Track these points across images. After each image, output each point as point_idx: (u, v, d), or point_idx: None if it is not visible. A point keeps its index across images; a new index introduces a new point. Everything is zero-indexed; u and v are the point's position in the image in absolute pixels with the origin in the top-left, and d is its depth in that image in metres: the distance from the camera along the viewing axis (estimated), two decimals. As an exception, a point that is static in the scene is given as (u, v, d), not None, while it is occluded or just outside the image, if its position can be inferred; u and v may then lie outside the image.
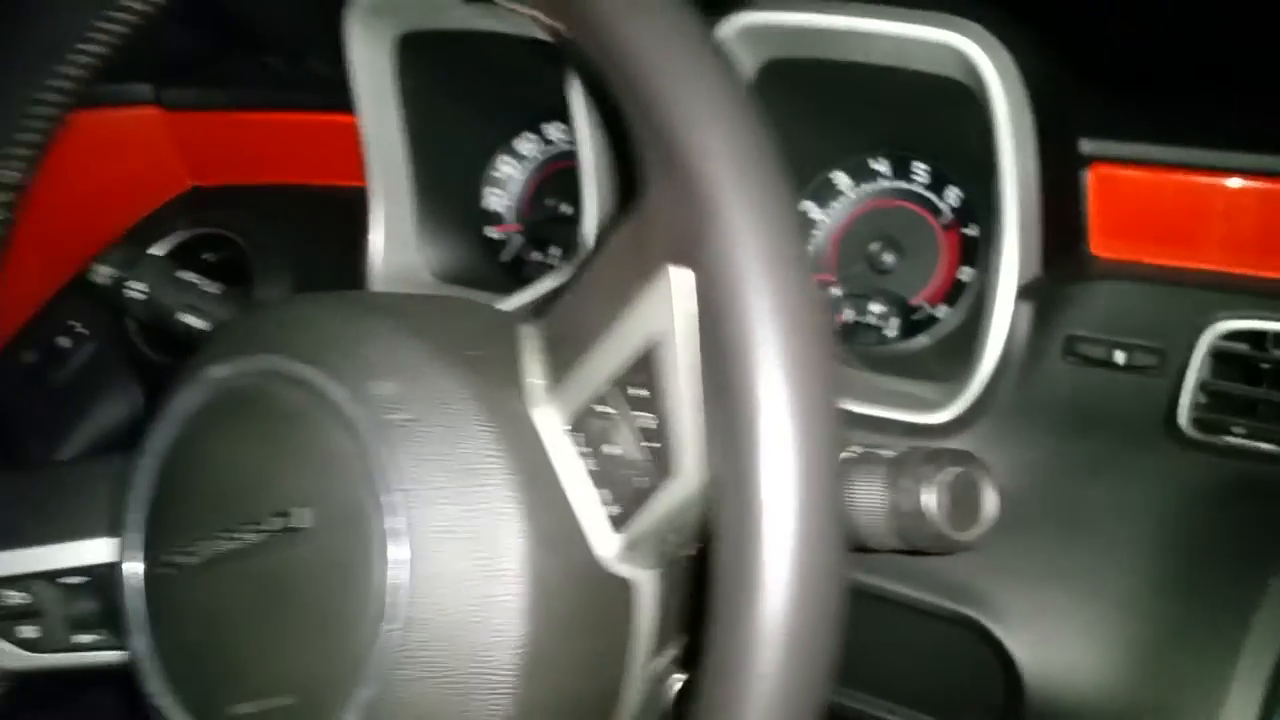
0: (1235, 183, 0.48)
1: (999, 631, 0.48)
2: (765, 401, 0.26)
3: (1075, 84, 0.50)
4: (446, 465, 0.35)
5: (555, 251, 0.72)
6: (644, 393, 0.32)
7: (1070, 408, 0.50)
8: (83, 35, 0.44)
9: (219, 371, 0.40)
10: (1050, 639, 0.47)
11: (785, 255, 0.27)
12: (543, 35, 0.58)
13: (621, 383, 0.33)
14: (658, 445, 0.32)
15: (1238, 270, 0.49)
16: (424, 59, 0.65)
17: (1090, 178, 0.51)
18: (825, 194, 0.61)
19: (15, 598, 0.47)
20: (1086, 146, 0.50)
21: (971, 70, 0.47)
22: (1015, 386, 0.50)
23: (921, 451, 0.38)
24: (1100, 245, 0.52)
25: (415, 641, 0.34)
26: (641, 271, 0.30)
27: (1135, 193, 0.50)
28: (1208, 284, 0.49)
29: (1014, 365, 0.50)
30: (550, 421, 0.37)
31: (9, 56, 0.45)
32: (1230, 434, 0.48)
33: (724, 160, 0.27)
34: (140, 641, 0.41)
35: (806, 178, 0.60)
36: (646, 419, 0.32)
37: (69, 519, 0.47)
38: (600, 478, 0.36)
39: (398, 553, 0.35)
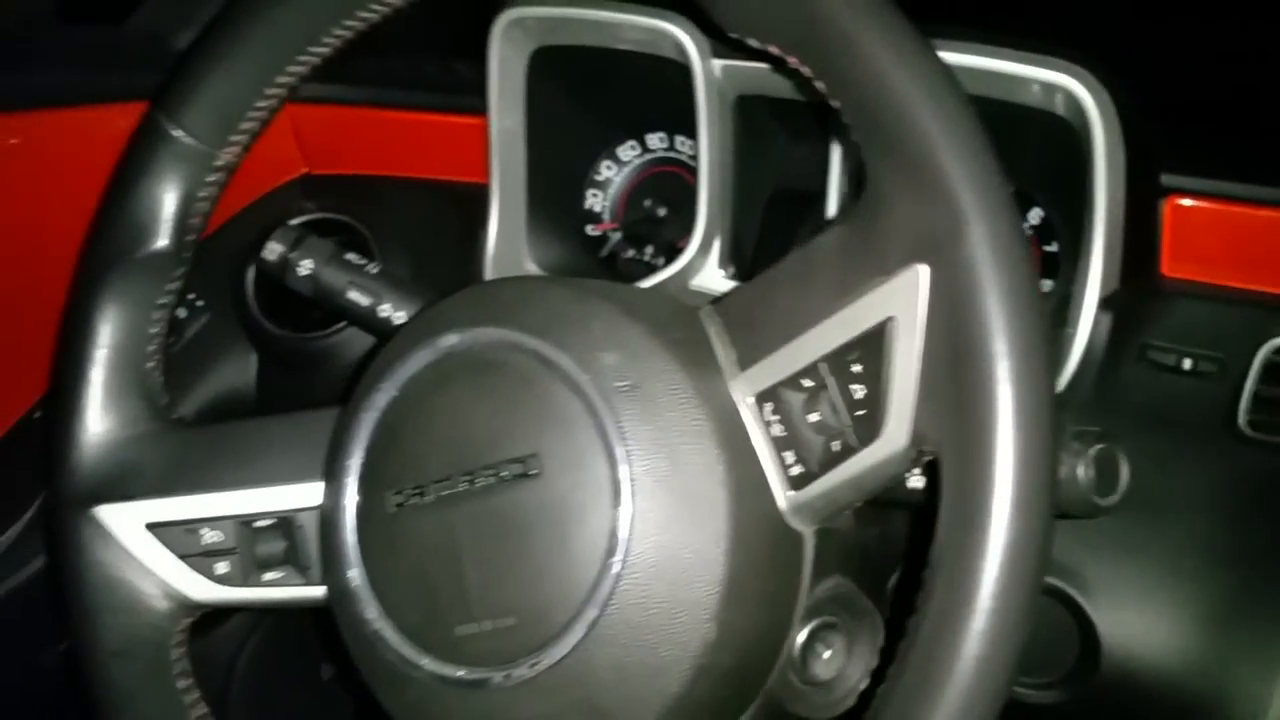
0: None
1: (1083, 600, 0.55)
2: (1005, 378, 0.33)
3: (1158, 124, 0.57)
4: (661, 425, 0.41)
5: (649, 249, 0.78)
6: (859, 368, 0.38)
7: (1143, 406, 0.57)
8: (319, 33, 0.50)
9: (448, 340, 0.45)
10: (1128, 608, 0.54)
11: (1019, 259, 0.34)
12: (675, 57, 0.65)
13: (838, 358, 0.39)
14: (864, 412, 0.39)
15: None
16: (551, 70, 0.71)
17: (1166, 207, 0.58)
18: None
19: (212, 536, 0.52)
20: (1166, 180, 0.58)
21: (1077, 108, 0.54)
22: (1094, 384, 0.57)
23: (1070, 429, 0.45)
24: (1170, 266, 0.59)
25: (634, 573, 0.41)
26: (878, 267, 0.37)
27: (1204, 222, 0.58)
28: (1265, 304, 0.57)
29: (1093, 366, 0.57)
30: (740, 393, 0.43)
31: (248, 48, 0.51)
32: (1282, 436, 0.56)
33: (973, 184, 0.34)
34: (355, 574, 0.46)
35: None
36: (858, 390, 0.39)
37: (261, 468, 0.53)
38: (784, 442, 0.42)
39: (622, 498, 0.41)
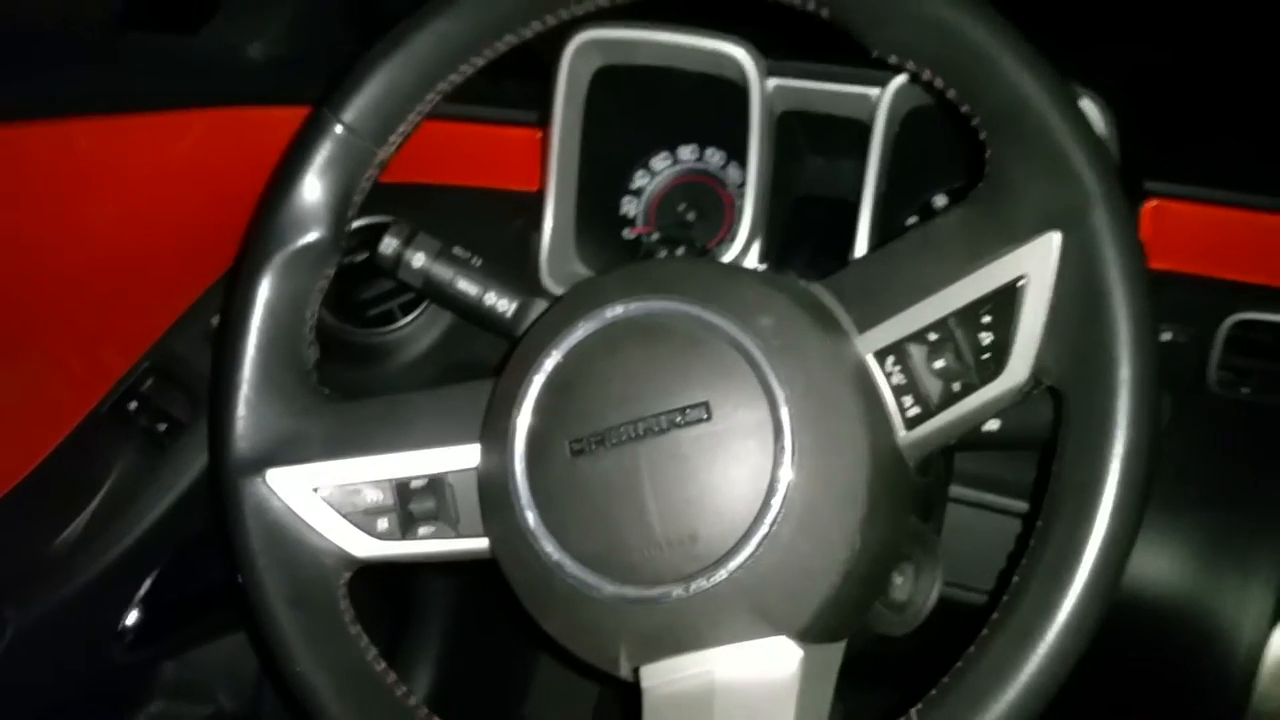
0: (1256, 216, 0.68)
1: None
2: (1130, 324, 0.44)
3: (1143, 136, 0.70)
4: (810, 375, 0.50)
5: (680, 250, 0.87)
6: (989, 319, 0.48)
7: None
8: (480, 46, 0.57)
9: (614, 310, 0.53)
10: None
11: (1134, 230, 0.45)
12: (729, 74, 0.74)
13: (968, 312, 0.49)
14: (989, 356, 0.49)
15: (1251, 279, 0.70)
16: (607, 88, 0.79)
17: (1147, 207, 0.70)
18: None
19: (373, 496, 0.58)
20: (1148, 185, 0.70)
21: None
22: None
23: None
24: (1152, 257, 0.72)
25: (795, 494, 0.49)
26: (1009, 236, 0.47)
27: (1181, 220, 0.70)
28: (1226, 288, 0.70)
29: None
30: (863, 349, 0.52)
31: (415, 57, 0.58)
32: (1242, 391, 0.69)
33: (1099, 169, 0.45)
34: (531, 515, 0.53)
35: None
36: (985, 337, 0.49)
37: (413, 435, 0.59)
38: (903, 389, 0.52)
39: (784, 434, 0.50)
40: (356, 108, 0.58)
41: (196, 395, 0.82)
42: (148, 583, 0.83)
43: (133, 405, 0.80)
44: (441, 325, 0.87)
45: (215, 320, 0.83)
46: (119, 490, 0.80)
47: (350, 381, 0.86)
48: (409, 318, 0.87)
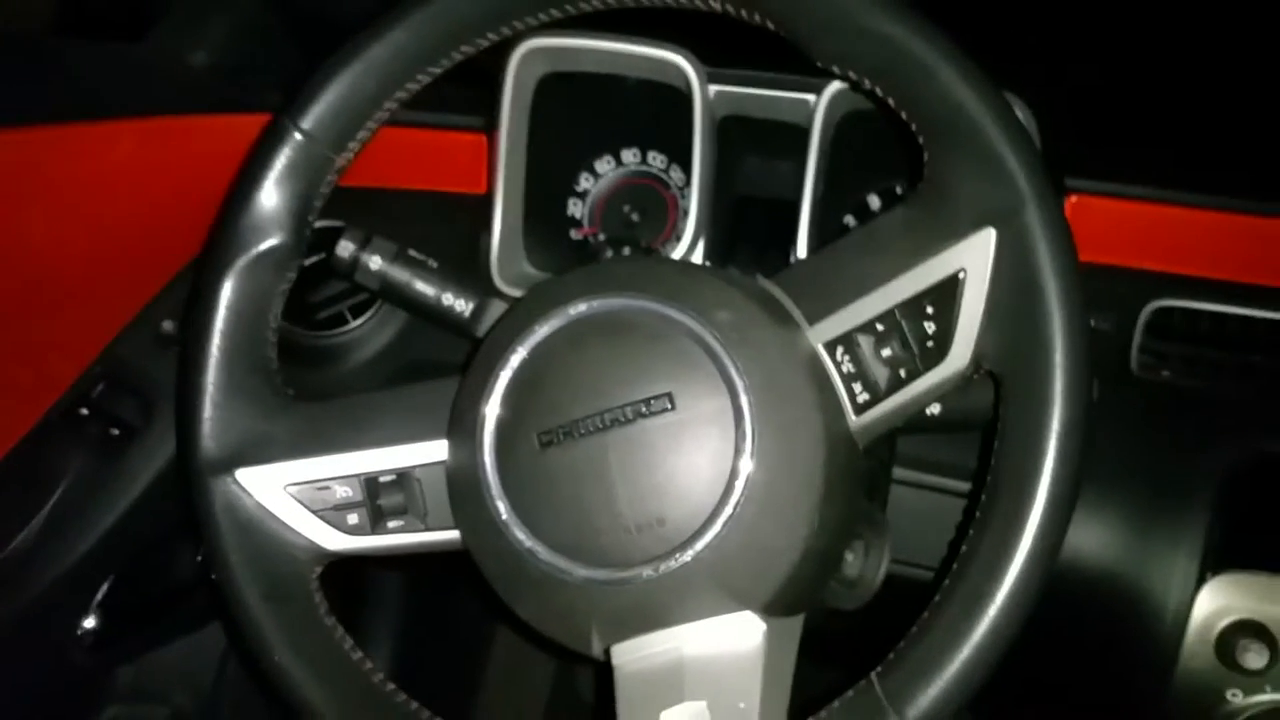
0: (1171, 210, 0.73)
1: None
2: (1061, 310, 0.47)
3: (1064, 138, 0.74)
4: (767, 365, 0.53)
5: (625, 250, 0.89)
6: (931, 309, 0.52)
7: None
8: (436, 56, 0.59)
9: (577, 308, 0.56)
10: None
11: (1065, 225, 0.48)
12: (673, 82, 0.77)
13: (913, 304, 0.52)
14: (932, 344, 0.52)
15: (1167, 269, 0.74)
16: (552, 93, 0.81)
17: (1069, 203, 0.75)
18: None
19: (343, 492, 0.60)
20: (1070, 182, 0.74)
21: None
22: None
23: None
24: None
25: (757, 476, 0.52)
26: (949, 232, 0.51)
27: (1102, 215, 0.75)
28: (1144, 278, 0.75)
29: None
30: (814, 340, 0.55)
31: (373, 65, 0.59)
32: (1163, 374, 0.74)
33: (1031, 171, 0.49)
34: (502, 505, 0.55)
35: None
36: (929, 326, 0.52)
37: (380, 432, 0.60)
38: (852, 377, 0.55)
39: (745, 420, 0.52)
40: (315, 116, 0.60)
41: (148, 399, 0.82)
42: (105, 587, 0.83)
43: (84, 411, 0.80)
44: (393, 327, 0.88)
45: (167, 325, 0.83)
46: (73, 495, 0.79)
47: (303, 383, 0.87)
48: (360, 320, 0.88)
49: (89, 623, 0.82)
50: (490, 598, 0.58)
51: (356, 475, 0.60)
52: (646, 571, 0.53)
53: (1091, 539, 0.72)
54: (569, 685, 1.21)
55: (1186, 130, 0.79)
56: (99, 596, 0.82)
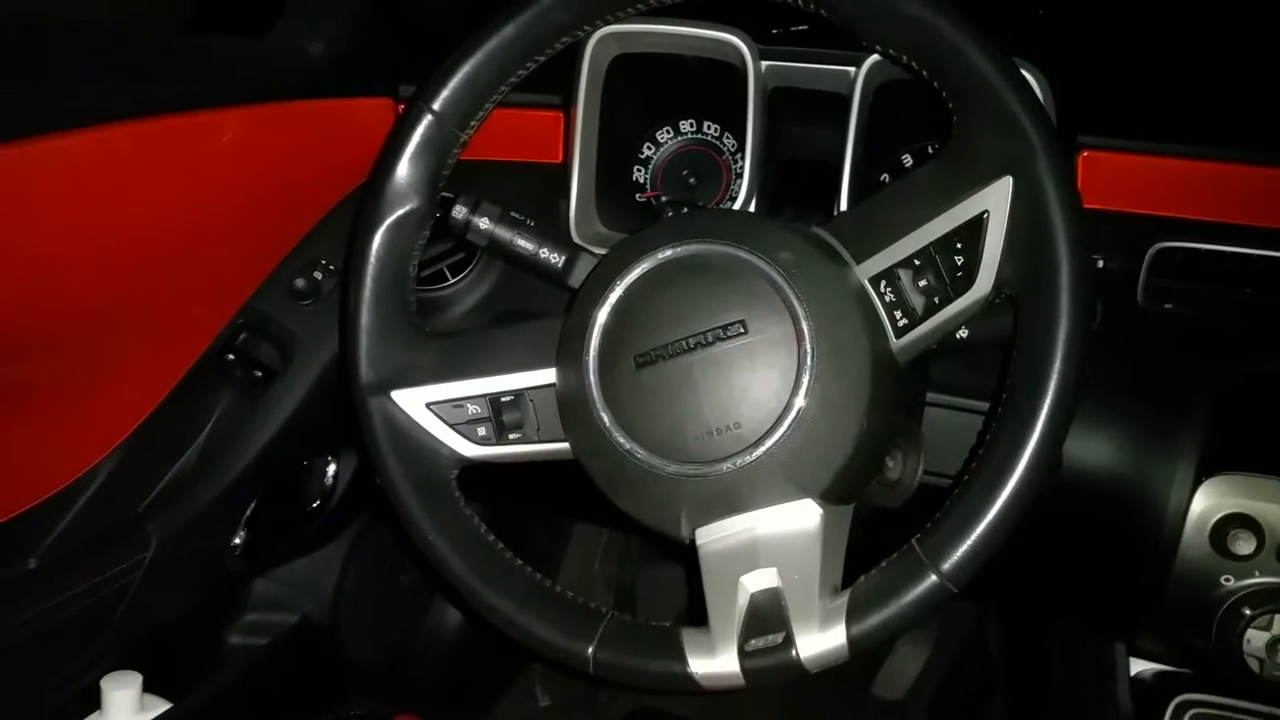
0: (1173, 162, 0.83)
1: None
2: (1069, 245, 0.59)
3: (1076, 101, 0.85)
4: (823, 296, 0.65)
5: (684, 210, 1.01)
6: (960, 244, 0.63)
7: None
8: (544, 45, 0.71)
9: (665, 253, 0.68)
10: (1076, 433, 0.80)
11: (1071, 172, 0.60)
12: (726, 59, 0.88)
13: (945, 241, 0.64)
14: (961, 274, 0.64)
15: (1170, 214, 0.85)
16: (621, 71, 0.93)
17: (1082, 157, 0.85)
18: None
19: (474, 409, 0.73)
20: (1082, 139, 0.85)
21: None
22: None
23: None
24: (1087, 199, 0.87)
25: (817, 384, 0.64)
26: (974, 181, 0.62)
27: (1111, 167, 0.85)
28: (1148, 222, 0.85)
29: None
30: (861, 276, 0.67)
31: (491, 54, 0.71)
32: (1165, 306, 0.84)
33: (1041, 128, 0.60)
34: (605, 415, 0.68)
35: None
36: (958, 259, 0.64)
37: (501, 361, 0.73)
38: (893, 306, 0.66)
39: (805, 341, 0.64)
40: (444, 99, 0.72)
41: (284, 346, 0.95)
42: (251, 506, 0.96)
43: (230, 357, 0.93)
44: (488, 282, 1.01)
45: (299, 282, 0.96)
46: (223, 429, 0.93)
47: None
48: (458, 277, 1.00)
49: (239, 537, 0.96)
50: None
51: (484, 395, 0.73)
52: (726, 466, 0.65)
53: (1101, 450, 0.83)
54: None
55: (1187, 90, 0.89)
56: (246, 514, 0.96)
